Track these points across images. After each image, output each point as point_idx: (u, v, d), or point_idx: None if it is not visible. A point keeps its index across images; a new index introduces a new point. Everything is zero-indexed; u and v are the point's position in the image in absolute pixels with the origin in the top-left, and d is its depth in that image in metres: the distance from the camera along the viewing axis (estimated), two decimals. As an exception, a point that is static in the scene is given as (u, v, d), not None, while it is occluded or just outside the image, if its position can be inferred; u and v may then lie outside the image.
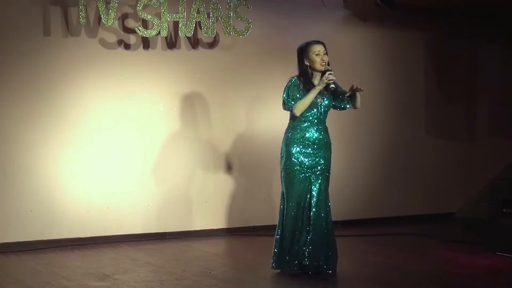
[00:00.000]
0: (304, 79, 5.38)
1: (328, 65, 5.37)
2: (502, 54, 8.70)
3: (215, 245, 6.79)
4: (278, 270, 5.44)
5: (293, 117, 5.42)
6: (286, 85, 5.40)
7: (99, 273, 5.45)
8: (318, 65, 5.34)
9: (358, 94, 5.42)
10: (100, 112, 6.82)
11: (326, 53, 5.38)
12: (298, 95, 5.33)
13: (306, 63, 5.38)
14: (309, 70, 5.40)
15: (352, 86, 5.36)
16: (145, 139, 7.01)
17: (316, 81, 5.39)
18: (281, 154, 5.49)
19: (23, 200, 6.54)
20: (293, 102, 5.33)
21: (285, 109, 5.44)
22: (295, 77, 5.43)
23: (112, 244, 6.66)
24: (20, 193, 6.53)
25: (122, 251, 6.39)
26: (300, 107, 5.31)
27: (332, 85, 5.27)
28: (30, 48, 6.54)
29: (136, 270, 5.58)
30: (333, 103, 5.50)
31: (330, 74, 5.25)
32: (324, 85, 5.27)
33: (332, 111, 5.58)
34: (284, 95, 5.39)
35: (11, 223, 6.51)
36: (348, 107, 5.53)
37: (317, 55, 5.34)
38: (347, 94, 5.42)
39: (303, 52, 5.41)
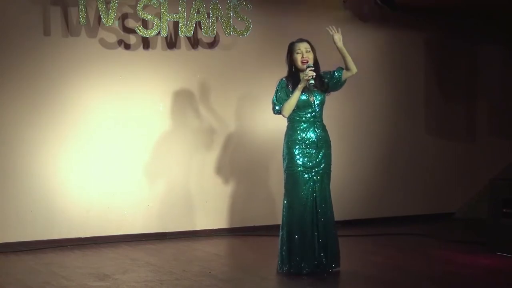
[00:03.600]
0: (292, 79, 5.40)
1: (316, 62, 5.37)
2: (502, 54, 8.70)
3: (215, 245, 6.78)
4: (283, 271, 5.40)
5: (290, 119, 5.44)
6: (275, 88, 5.43)
7: (99, 273, 5.45)
8: (299, 63, 5.37)
9: (346, 55, 5.37)
10: (100, 112, 6.82)
11: (312, 51, 5.38)
12: (286, 98, 5.35)
13: (291, 62, 5.42)
14: (293, 69, 5.43)
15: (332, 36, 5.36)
16: (145, 139, 7.00)
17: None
18: (283, 156, 5.49)
19: (23, 200, 6.54)
20: (280, 105, 5.36)
21: (274, 112, 5.45)
22: (284, 79, 5.45)
23: (112, 244, 6.66)
24: (20, 193, 6.53)
25: (122, 251, 6.39)
26: (286, 108, 5.34)
27: (311, 81, 5.25)
28: (30, 48, 6.54)
29: (136, 270, 5.58)
30: (330, 90, 5.48)
31: (311, 71, 5.24)
32: (305, 82, 5.28)
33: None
34: (273, 99, 5.42)
35: (11, 223, 6.51)
36: (342, 78, 5.45)
37: (298, 53, 5.38)
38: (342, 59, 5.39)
39: (288, 51, 5.47)
